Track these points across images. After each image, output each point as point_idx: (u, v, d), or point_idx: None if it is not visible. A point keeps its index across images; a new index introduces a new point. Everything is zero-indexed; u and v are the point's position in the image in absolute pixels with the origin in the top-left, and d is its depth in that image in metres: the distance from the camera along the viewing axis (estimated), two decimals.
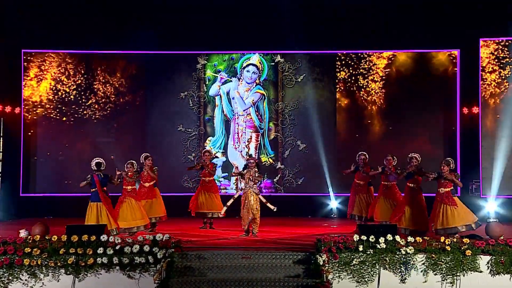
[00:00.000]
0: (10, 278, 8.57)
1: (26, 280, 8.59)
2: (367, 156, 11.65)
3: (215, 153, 14.76)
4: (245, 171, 10.59)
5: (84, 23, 14.19)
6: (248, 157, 11.31)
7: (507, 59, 14.05)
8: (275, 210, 10.50)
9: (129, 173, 10.77)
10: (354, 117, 14.87)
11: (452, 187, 10.27)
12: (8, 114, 14.40)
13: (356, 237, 8.80)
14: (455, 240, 8.99)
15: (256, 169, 10.53)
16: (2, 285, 8.54)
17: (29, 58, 14.74)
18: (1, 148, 14.33)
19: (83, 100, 14.84)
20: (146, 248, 8.62)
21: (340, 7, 14.05)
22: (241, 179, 10.74)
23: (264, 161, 14.83)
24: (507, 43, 14.06)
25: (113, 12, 14.17)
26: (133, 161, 10.97)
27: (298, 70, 14.95)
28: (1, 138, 14.33)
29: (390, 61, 14.84)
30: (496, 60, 14.12)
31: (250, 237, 10.37)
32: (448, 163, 10.32)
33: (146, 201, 11.29)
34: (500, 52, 14.11)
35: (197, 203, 11.77)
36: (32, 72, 14.74)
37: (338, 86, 14.89)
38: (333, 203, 14.41)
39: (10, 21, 14.04)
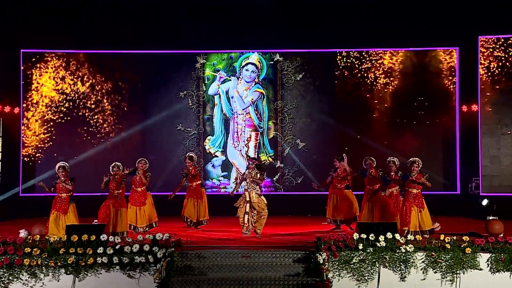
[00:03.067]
0: (10, 278, 8.57)
1: (26, 280, 8.59)
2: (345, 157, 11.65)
3: (214, 153, 14.79)
4: (246, 172, 10.55)
5: (82, 23, 14.20)
6: (248, 158, 11.24)
7: (508, 59, 14.07)
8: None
9: (117, 176, 10.51)
10: (353, 115, 14.86)
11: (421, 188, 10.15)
12: (7, 114, 14.40)
13: (356, 236, 8.81)
14: (454, 237, 8.99)
15: (257, 170, 10.49)
16: (2, 285, 8.53)
17: (28, 58, 14.73)
18: (0, 148, 14.32)
19: (82, 99, 14.84)
20: (146, 247, 8.62)
21: (339, 6, 14.04)
22: (243, 180, 10.69)
23: (264, 160, 14.83)
24: (506, 41, 14.06)
25: (112, 12, 14.16)
26: (119, 163, 10.73)
27: (297, 68, 14.95)
28: (1, 138, 14.32)
29: (389, 59, 14.85)
30: (495, 58, 14.13)
31: (251, 236, 10.35)
32: (416, 162, 10.13)
33: (139, 208, 11.16)
34: (499, 49, 14.12)
35: (184, 208, 11.70)
36: (31, 72, 14.74)
37: (337, 84, 14.90)
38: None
39: (9, 21, 14.03)
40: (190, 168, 11.69)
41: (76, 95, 14.84)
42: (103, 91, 14.91)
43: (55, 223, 9.99)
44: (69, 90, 14.82)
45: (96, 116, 14.86)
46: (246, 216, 10.28)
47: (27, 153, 14.66)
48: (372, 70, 14.83)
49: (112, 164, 10.67)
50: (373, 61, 14.84)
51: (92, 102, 14.86)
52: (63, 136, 14.79)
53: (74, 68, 14.86)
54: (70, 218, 10.11)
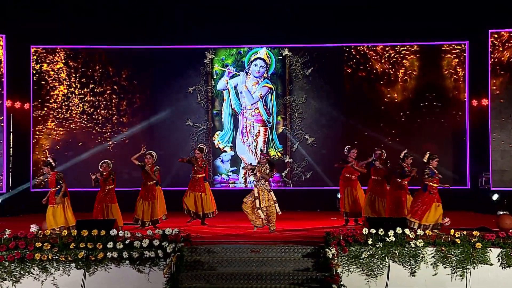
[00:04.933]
0: (21, 272, 8.63)
1: (37, 274, 8.65)
2: (355, 151, 11.59)
3: (223, 148, 14.80)
4: (256, 166, 10.54)
5: (92, 19, 14.20)
6: (260, 153, 11.19)
7: None
8: (279, 213, 10.44)
9: (105, 173, 10.63)
10: (362, 110, 14.82)
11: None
12: (17, 110, 14.48)
13: (365, 231, 8.79)
14: (465, 232, 8.95)
15: (268, 166, 10.48)
16: (14, 279, 8.60)
17: (37, 54, 14.81)
18: (11, 143, 14.41)
19: (92, 95, 14.90)
20: (156, 242, 8.65)
21: (348, 0, 13.96)
22: (251, 174, 10.67)
23: (273, 155, 14.84)
24: None
25: (121, 8, 14.16)
26: (108, 161, 10.82)
27: (306, 63, 14.92)
28: (11, 133, 14.41)
29: (398, 53, 14.78)
30: (505, 51, 14.01)
31: (260, 231, 10.36)
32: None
33: (149, 203, 11.14)
34: (509, 43, 14.00)
35: (186, 201, 11.64)
36: (41, 68, 14.81)
37: (345, 79, 14.85)
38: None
39: (19, 17, 14.07)
40: (199, 159, 11.69)
41: (85, 90, 14.89)
42: (112, 86, 14.94)
43: (51, 216, 10.07)
44: (78, 85, 14.87)
45: (105, 111, 14.90)
46: (259, 211, 10.29)
47: (37, 149, 14.75)
48: (381, 65, 14.76)
49: (102, 161, 10.81)
50: (382, 56, 14.77)
51: (101, 97, 14.91)
52: (71, 132, 14.86)
53: (83, 63, 14.90)
54: (57, 211, 10.11)
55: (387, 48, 14.79)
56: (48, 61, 14.83)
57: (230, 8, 14.05)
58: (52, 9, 13.99)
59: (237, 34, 14.65)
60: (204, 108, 15.01)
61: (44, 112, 14.82)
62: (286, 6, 13.99)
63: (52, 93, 14.83)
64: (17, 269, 8.63)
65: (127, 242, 8.71)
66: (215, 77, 15.00)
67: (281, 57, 15.00)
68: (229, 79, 15.00)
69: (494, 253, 8.69)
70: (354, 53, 14.82)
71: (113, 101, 14.93)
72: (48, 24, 14.30)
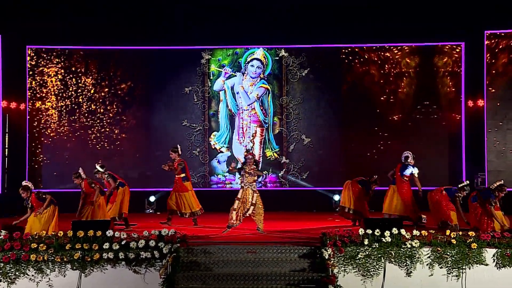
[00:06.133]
0: (17, 273, 8.60)
1: (32, 275, 8.62)
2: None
3: (219, 148, 14.78)
4: (244, 166, 10.39)
5: (88, 19, 14.17)
6: (245, 153, 11.09)
7: None
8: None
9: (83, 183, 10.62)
10: (358, 110, 14.82)
11: None
12: (13, 110, 14.44)
13: (361, 231, 8.80)
14: (460, 233, 8.98)
15: (255, 166, 10.42)
16: (9, 280, 8.57)
17: (33, 54, 14.78)
18: (6, 144, 14.37)
19: (87, 95, 14.87)
20: (152, 243, 8.63)
21: (344, 1, 13.97)
22: (239, 175, 10.53)
23: (269, 156, 14.85)
24: None
25: (118, 9, 14.13)
26: (78, 171, 10.72)
27: (302, 64, 14.92)
28: (6, 134, 14.37)
29: (394, 54, 14.80)
30: (501, 52, 14.05)
31: (256, 232, 10.34)
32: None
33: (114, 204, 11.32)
34: (505, 44, 14.05)
35: (169, 201, 11.70)
36: (37, 68, 14.78)
37: (342, 80, 14.87)
38: (338, 197, 14.27)
39: (15, 17, 14.03)
40: (175, 160, 11.58)
41: (81, 91, 14.86)
42: (108, 87, 14.91)
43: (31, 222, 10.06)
44: (73, 86, 14.85)
45: (101, 112, 14.88)
46: (234, 212, 10.23)
47: (33, 149, 14.73)
48: (378, 66, 14.78)
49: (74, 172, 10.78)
50: (379, 57, 14.80)
51: (97, 97, 14.88)
52: (68, 131, 14.83)
53: (79, 64, 14.88)
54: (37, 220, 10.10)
55: (383, 49, 14.80)
56: (44, 61, 14.79)
57: (229, 8, 14.01)
58: (52, 9, 13.94)
59: (234, 35, 14.64)
60: (200, 108, 15.00)
61: (39, 112, 14.79)
62: (284, 7, 13.97)
63: (47, 93, 14.80)
64: (12, 270, 8.59)
65: (123, 243, 8.69)
66: (211, 77, 15.00)
67: (277, 58, 15.00)
68: (226, 79, 15.00)
69: (489, 253, 8.71)
70: (350, 53, 14.83)
71: (110, 101, 14.88)
72: (46, 24, 14.25)
